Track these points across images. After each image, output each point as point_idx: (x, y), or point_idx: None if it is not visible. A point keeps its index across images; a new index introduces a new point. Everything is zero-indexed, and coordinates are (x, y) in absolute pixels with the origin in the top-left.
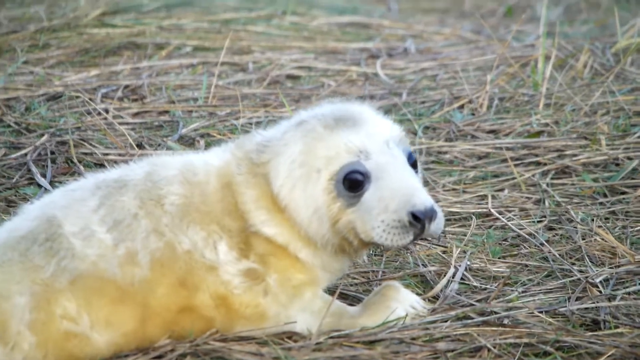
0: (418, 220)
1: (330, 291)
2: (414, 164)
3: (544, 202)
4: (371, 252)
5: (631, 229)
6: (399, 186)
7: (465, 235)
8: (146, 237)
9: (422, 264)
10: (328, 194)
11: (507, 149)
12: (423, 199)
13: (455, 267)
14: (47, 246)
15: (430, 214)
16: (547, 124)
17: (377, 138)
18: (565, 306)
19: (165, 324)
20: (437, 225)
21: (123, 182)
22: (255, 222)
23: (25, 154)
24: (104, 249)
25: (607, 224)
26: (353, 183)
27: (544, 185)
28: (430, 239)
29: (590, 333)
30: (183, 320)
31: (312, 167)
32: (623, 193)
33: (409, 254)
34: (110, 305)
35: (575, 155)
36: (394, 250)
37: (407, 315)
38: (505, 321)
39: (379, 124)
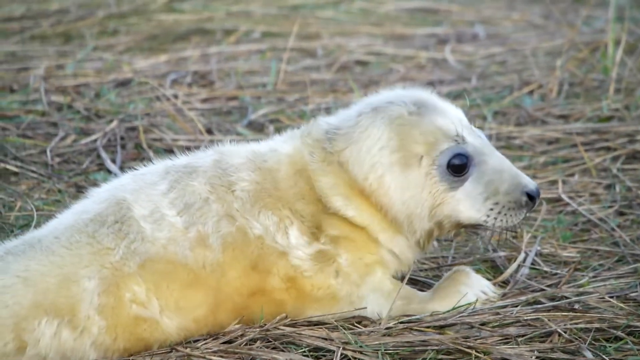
0: (532, 199)
1: (400, 276)
2: None
3: (614, 187)
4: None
5: None
6: (503, 169)
7: (536, 221)
8: (218, 221)
9: (493, 249)
10: (430, 178)
11: (578, 134)
12: (528, 179)
13: (525, 252)
14: (116, 228)
15: (539, 192)
16: (617, 109)
17: (462, 122)
18: (637, 291)
19: (236, 308)
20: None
21: (192, 168)
22: (333, 205)
23: (95, 140)
24: (174, 232)
25: None
26: (458, 167)
27: (615, 170)
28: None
29: None
30: (254, 304)
31: (409, 152)
32: None
33: (478, 239)
34: (181, 290)
35: None
36: (498, 231)
37: (477, 300)
38: (576, 306)
39: (454, 108)
